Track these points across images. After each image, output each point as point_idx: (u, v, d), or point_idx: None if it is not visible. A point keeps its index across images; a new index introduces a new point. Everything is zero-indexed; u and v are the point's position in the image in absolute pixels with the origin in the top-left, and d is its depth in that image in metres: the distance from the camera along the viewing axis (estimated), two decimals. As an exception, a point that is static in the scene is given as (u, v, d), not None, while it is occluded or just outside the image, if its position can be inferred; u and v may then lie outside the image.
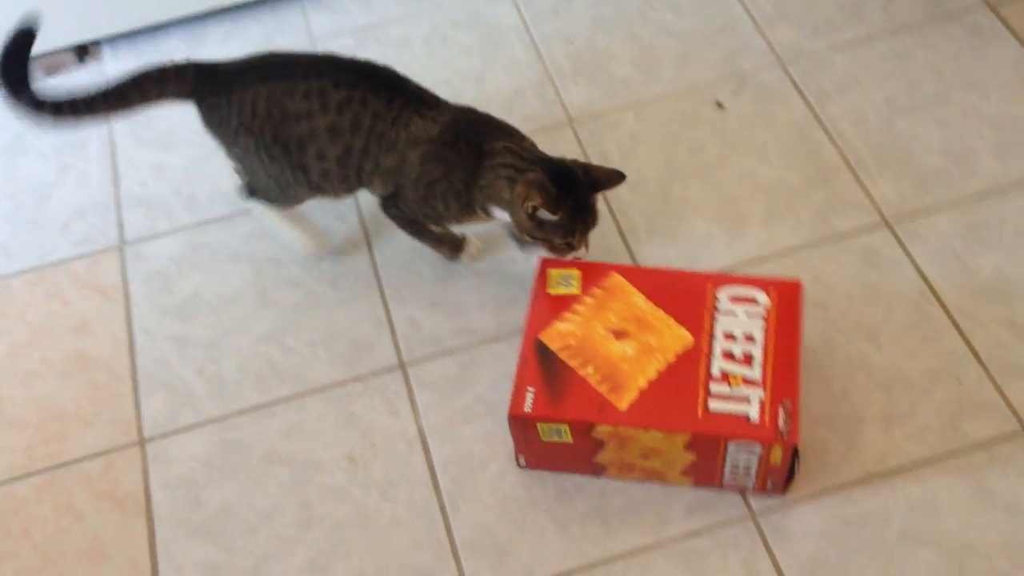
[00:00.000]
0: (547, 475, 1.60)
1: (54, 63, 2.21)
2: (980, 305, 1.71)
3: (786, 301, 1.57)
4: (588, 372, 1.50)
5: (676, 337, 1.53)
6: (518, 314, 1.68)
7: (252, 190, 1.77)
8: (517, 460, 1.59)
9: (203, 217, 1.95)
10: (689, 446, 1.47)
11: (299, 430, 1.68)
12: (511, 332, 1.74)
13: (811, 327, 1.70)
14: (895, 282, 1.75)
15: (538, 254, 1.65)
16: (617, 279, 1.60)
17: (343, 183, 1.68)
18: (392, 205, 1.71)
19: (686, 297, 1.57)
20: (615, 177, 1.62)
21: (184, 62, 1.68)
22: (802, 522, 1.53)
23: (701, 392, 1.48)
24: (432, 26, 2.21)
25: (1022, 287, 1.73)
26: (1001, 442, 1.58)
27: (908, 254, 1.78)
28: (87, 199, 2.00)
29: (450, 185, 1.63)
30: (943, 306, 1.72)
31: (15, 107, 1.66)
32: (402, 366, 1.74)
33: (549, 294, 1.60)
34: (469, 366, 1.72)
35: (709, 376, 1.49)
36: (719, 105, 2.02)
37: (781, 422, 1.44)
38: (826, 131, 1.96)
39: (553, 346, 1.54)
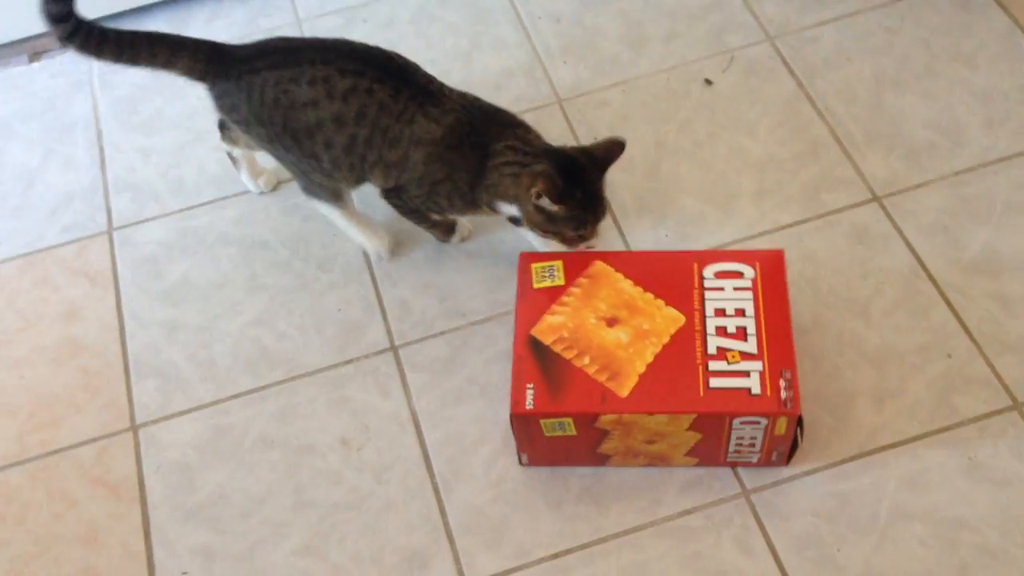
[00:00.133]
0: (540, 455, 1.60)
1: (38, 47, 2.20)
2: (970, 279, 1.72)
3: (770, 271, 1.57)
4: (585, 363, 1.50)
5: (668, 318, 1.53)
6: (508, 294, 1.68)
7: (305, 188, 1.75)
8: (519, 459, 1.59)
9: (191, 201, 1.94)
10: (694, 426, 1.47)
11: (291, 414, 1.68)
12: (502, 312, 1.74)
13: (801, 304, 1.71)
14: (885, 258, 1.75)
15: (555, 246, 1.65)
16: (600, 266, 1.60)
17: (351, 172, 1.66)
18: (395, 196, 1.70)
19: (672, 277, 1.57)
20: (615, 148, 1.61)
21: (202, 40, 1.65)
22: (794, 499, 1.54)
23: (700, 371, 1.48)
24: (419, 6, 2.19)
25: (1012, 261, 1.73)
26: (992, 416, 1.59)
27: (898, 229, 1.78)
28: (74, 184, 1.99)
29: (454, 186, 1.62)
30: (933, 281, 1.72)
31: (50, 16, 1.59)
32: (394, 348, 1.74)
33: (534, 288, 1.59)
34: (460, 347, 1.72)
35: (706, 354, 1.50)
36: (708, 82, 2.01)
37: (783, 392, 1.45)
38: (815, 107, 1.95)
39: (546, 340, 1.53)
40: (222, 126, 1.82)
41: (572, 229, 1.59)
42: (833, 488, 1.54)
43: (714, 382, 1.47)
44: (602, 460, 1.57)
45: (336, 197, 1.74)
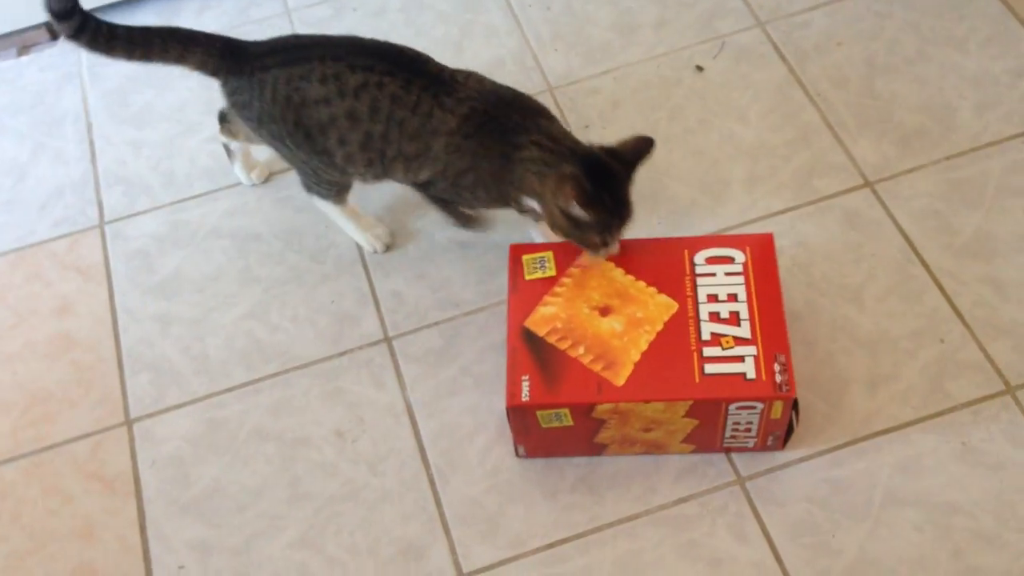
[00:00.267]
0: (535, 445, 1.60)
1: (27, 41, 2.19)
2: (962, 264, 1.72)
3: (761, 255, 1.57)
4: (580, 353, 1.50)
5: (661, 306, 1.53)
6: (501, 284, 1.68)
7: (307, 185, 1.74)
8: (516, 451, 1.59)
9: (183, 194, 1.93)
10: (690, 413, 1.47)
11: (286, 406, 1.68)
12: (495, 302, 1.74)
13: (794, 290, 1.71)
14: (877, 243, 1.76)
15: (552, 237, 1.63)
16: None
17: (369, 168, 1.64)
18: (423, 188, 1.67)
19: (664, 265, 1.57)
20: (644, 145, 1.55)
21: (215, 35, 1.64)
22: (789, 485, 1.54)
23: (695, 357, 1.48)
24: (408, -6, 2.19)
25: (1004, 245, 1.73)
26: (985, 401, 1.59)
27: (890, 214, 1.79)
28: (64, 178, 1.98)
29: (477, 177, 1.58)
30: (925, 266, 1.73)
31: (54, 12, 1.58)
32: (387, 339, 1.73)
33: (526, 280, 1.59)
34: (454, 338, 1.72)
35: (700, 340, 1.50)
36: (698, 68, 2.01)
37: (778, 376, 1.45)
38: (806, 92, 1.95)
39: (540, 332, 1.53)
40: (222, 118, 1.81)
41: (597, 235, 1.54)
42: (827, 474, 1.54)
43: (709, 368, 1.47)
44: (599, 449, 1.57)
45: (339, 195, 1.74)
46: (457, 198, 1.66)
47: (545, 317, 1.55)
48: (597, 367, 1.49)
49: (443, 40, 2.10)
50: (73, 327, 1.80)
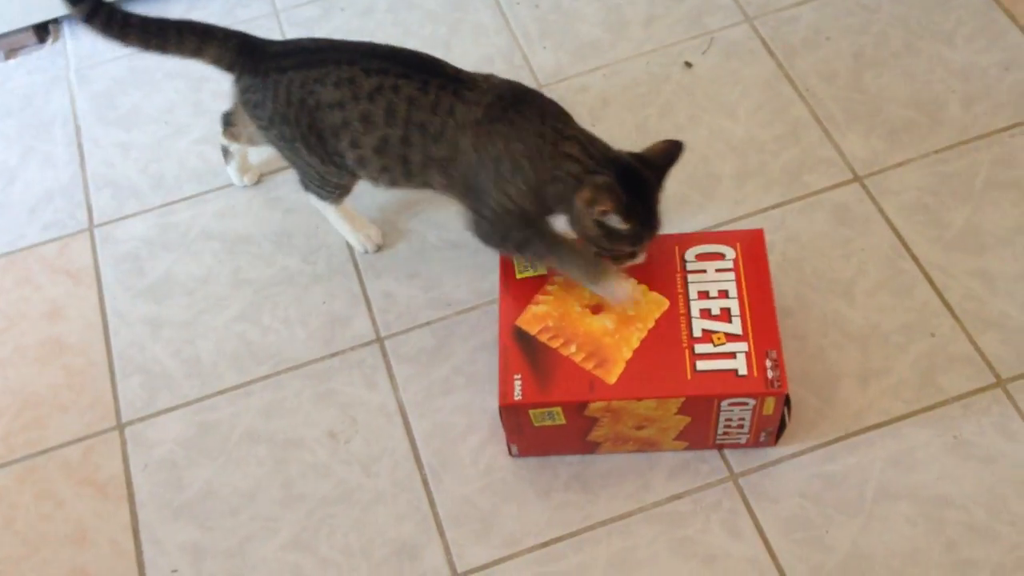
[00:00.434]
0: (528, 444, 1.60)
1: (14, 43, 2.18)
2: (952, 258, 1.72)
3: (751, 251, 1.57)
4: (572, 351, 1.50)
5: (652, 303, 1.53)
6: (493, 283, 1.68)
7: (304, 184, 1.73)
8: (509, 450, 1.59)
9: (172, 196, 1.93)
10: (683, 410, 1.48)
11: (278, 408, 1.68)
12: (486, 301, 1.74)
13: (785, 286, 1.71)
14: (867, 237, 1.76)
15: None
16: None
17: (384, 173, 1.61)
18: (478, 226, 1.59)
19: (654, 262, 1.57)
20: (674, 150, 1.52)
21: (232, 30, 1.63)
22: (782, 481, 1.54)
23: (687, 354, 1.48)
24: (396, -7, 2.19)
25: (993, 238, 1.74)
26: (976, 394, 1.59)
27: (879, 209, 1.79)
28: (53, 182, 1.98)
29: (514, 162, 1.50)
30: (915, 260, 1.73)
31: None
32: (379, 340, 1.73)
33: (517, 279, 1.59)
34: (446, 337, 1.72)
35: (692, 337, 1.50)
36: (687, 65, 2.01)
37: (769, 372, 1.45)
38: (795, 87, 1.95)
39: (532, 330, 1.53)
40: (226, 121, 1.80)
41: (629, 245, 1.51)
42: (820, 469, 1.55)
43: (701, 365, 1.47)
44: (592, 448, 1.57)
45: (339, 197, 1.74)
46: (503, 200, 1.53)
47: (537, 316, 1.55)
48: (589, 365, 1.49)
49: (431, 39, 2.09)
50: (64, 331, 1.79)
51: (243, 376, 1.71)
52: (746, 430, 1.52)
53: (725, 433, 1.53)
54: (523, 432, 1.53)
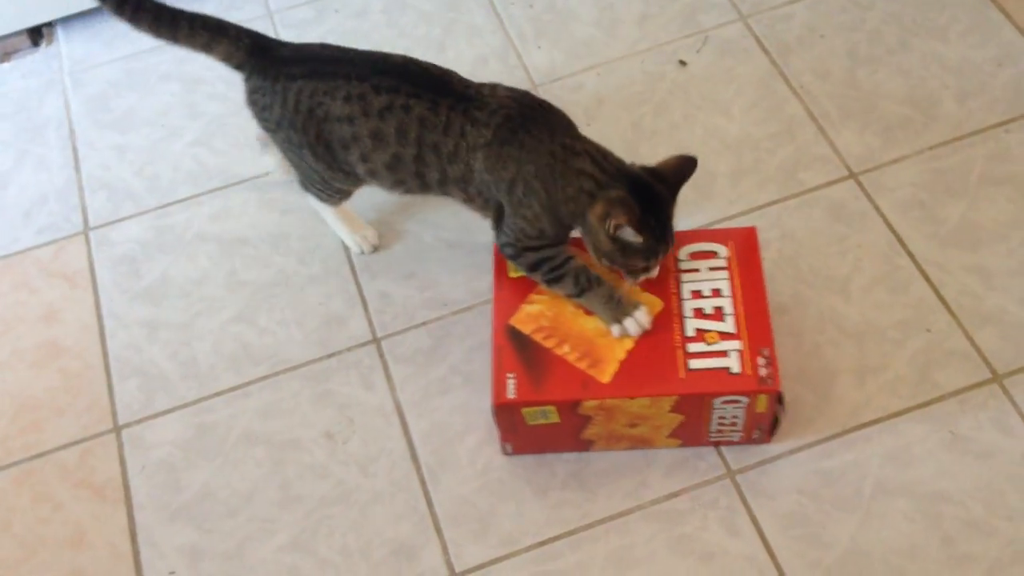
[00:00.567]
0: (525, 443, 1.60)
1: (8, 47, 2.18)
2: (948, 253, 1.73)
3: (744, 249, 1.57)
4: (565, 351, 1.50)
5: (646, 303, 1.53)
6: (488, 283, 1.67)
7: (305, 185, 1.73)
8: (503, 449, 1.59)
9: (167, 199, 1.93)
10: (675, 408, 1.48)
11: (275, 409, 1.68)
12: (483, 301, 1.74)
13: (781, 283, 1.71)
14: (863, 234, 1.76)
15: None
16: (574, 252, 1.59)
17: (399, 185, 1.61)
18: (505, 244, 1.57)
19: None
20: (688, 165, 1.51)
21: (245, 29, 1.62)
22: (779, 478, 1.54)
23: (680, 354, 1.48)
24: (390, -6, 2.19)
25: (988, 233, 1.74)
26: (973, 389, 1.59)
27: (875, 205, 1.79)
28: (48, 185, 1.97)
29: (527, 185, 1.50)
30: (911, 256, 1.73)
31: None
32: (376, 340, 1.73)
33: (511, 278, 1.59)
34: (443, 337, 1.72)
35: (685, 337, 1.50)
36: (682, 63, 2.01)
37: (762, 370, 1.45)
38: (790, 85, 1.95)
39: (525, 330, 1.53)
40: None
41: (643, 260, 1.49)
42: (817, 466, 1.55)
43: (694, 364, 1.47)
44: (586, 446, 1.57)
45: (340, 200, 1.73)
46: (521, 222, 1.53)
47: (531, 315, 1.55)
48: (583, 365, 1.49)
49: (425, 40, 2.09)
50: (60, 334, 1.79)
51: (240, 377, 1.71)
52: (739, 427, 1.52)
53: (719, 431, 1.53)
54: (517, 431, 1.53)
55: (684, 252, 1.58)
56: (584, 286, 1.53)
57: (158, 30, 1.60)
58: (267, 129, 1.65)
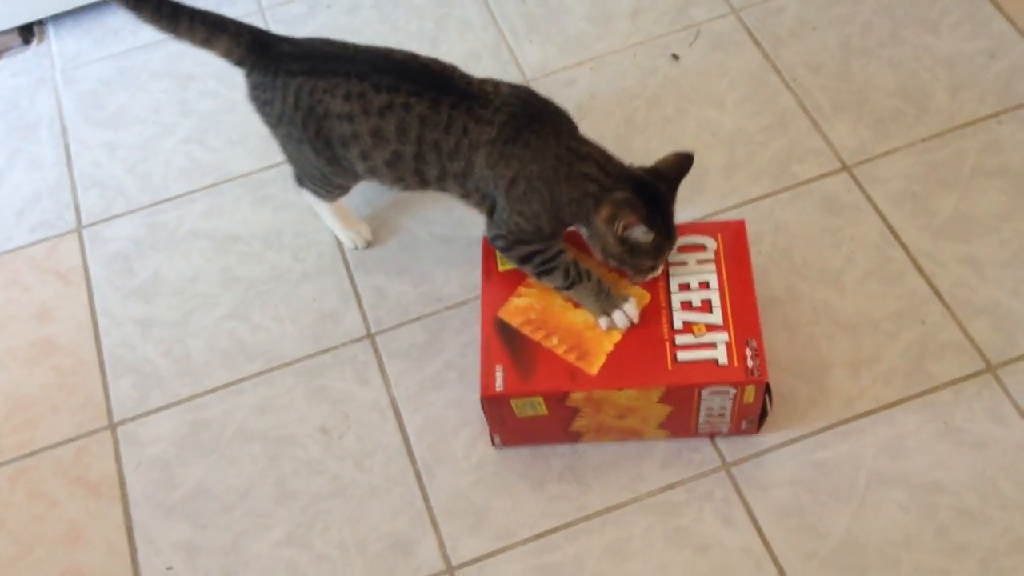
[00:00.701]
0: (520, 437, 1.61)
1: (-1, 45, 2.18)
2: (940, 245, 1.73)
3: (732, 241, 1.58)
4: (553, 343, 1.51)
5: (634, 296, 1.54)
6: (483, 278, 1.68)
7: (300, 179, 1.73)
8: (492, 440, 1.59)
9: (160, 196, 1.93)
10: (663, 399, 1.48)
11: (270, 405, 1.68)
12: (476, 296, 1.73)
13: (775, 276, 1.72)
14: (856, 227, 1.76)
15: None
16: (565, 247, 1.59)
17: (399, 182, 1.61)
18: (496, 236, 1.57)
19: None
20: (685, 162, 1.52)
21: (245, 25, 1.61)
22: (774, 470, 1.55)
23: (668, 346, 1.49)
24: (382, -11, 2.18)
25: (981, 225, 1.74)
26: (966, 380, 1.60)
27: (868, 197, 1.79)
28: (40, 183, 1.97)
29: (529, 184, 1.50)
30: (904, 248, 1.73)
31: None
32: (370, 336, 1.73)
33: (500, 271, 1.59)
34: (437, 332, 1.72)
35: (672, 329, 1.50)
36: (674, 57, 2.01)
37: (749, 361, 1.46)
38: (782, 78, 1.96)
39: (514, 322, 1.54)
40: None
41: (650, 259, 1.50)
42: (812, 457, 1.55)
43: (681, 355, 1.48)
44: (575, 438, 1.57)
45: (337, 196, 1.73)
46: (519, 221, 1.53)
47: (519, 308, 1.55)
48: (571, 357, 1.49)
49: (418, 35, 2.09)
50: (54, 332, 1.79)
51: (234, 374, 1.71)
52: (728, 419, 1.53)
53: (707, 422, 1.54)
54: (505, 423, 1.54)
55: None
56: (574, 279, 1.54)
57: (159, 22, 1.59)
58: (268, 124, 1.65)
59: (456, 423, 1.63)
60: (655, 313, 1.52)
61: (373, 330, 1.74)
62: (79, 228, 1.91)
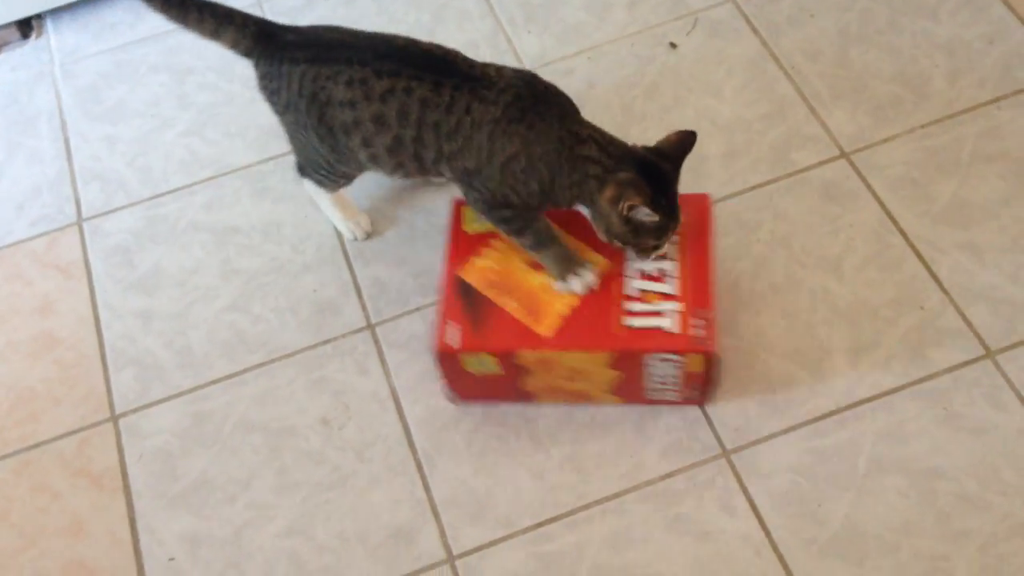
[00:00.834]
0: (522, 427, 1.61)
1: (-3, 40, 2.18)
2: (940, 231, 1.73)
3: (695, 215, 1.59)
4: (509, 304, 1.54)
5: (593, 263, 1.55)
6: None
7: (303, 168, 1.73)
8: (448, 396, 1.63)
9: (159, 189, 1.93)
10: (613, 364, 1.51)
11: (271, 396, 1.68)
12: (477, 286, 1.74)
13: (774, 263, 1.72)
14: (855, 213, 1.76)
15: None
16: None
17: (398, 169, 1.61)
18: (471, 191, 1.57)
19: None
20: (688, 140, 1.52)
21: (251, 16, 1.61)
22: (774, 457, 1.55)
23: (619, 312, 1.51)
24: (380, -20, 2.18)
25: (980, 211, 1.74)
26: (966, 366, 1.60)
27: (867, 184, 1.79)
28: (40, 177, 1.97)
29: (529, 162, 1.50)
30: (903, 234, 1.73)
31: None
32: (370, 326, 1.74)
33: (466, 232, 1.61)
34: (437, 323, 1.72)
35: (625, 296, 1.53)
36: (672, 45, 2.01)
37: (698, 331, 1.48)
38: (780, 65, 1.95)
39: (473, 281, 1.56)
40: None
41: (654, 239, 1.50)
42: (811, 444, 1.55)
43: (631, 321, 1.51)
44: (528, 397, 1.60)
45: (340, 185, 1.74)
46: (508, 192, 1.53)
47: (480, 268, 1.58)
48: (524, 317, 1.52)
49: (415, 26, 2.09)
50: (55, 325, 1.79)
51: (235, 365, 1.72)
52: (676, 387, 1.55)
53: (654, 389, 1.56)
54: (459, 378, 1.57)
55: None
56: (543, 242, 1.56)
57: (168, 11, 1.60)
58: (277, 113, 1.66)
59: (456, 413, 1.63)
60: (612, 278, 1.55)
61: (373, 321, 1.74)
62: (79, 221, 1.91)
